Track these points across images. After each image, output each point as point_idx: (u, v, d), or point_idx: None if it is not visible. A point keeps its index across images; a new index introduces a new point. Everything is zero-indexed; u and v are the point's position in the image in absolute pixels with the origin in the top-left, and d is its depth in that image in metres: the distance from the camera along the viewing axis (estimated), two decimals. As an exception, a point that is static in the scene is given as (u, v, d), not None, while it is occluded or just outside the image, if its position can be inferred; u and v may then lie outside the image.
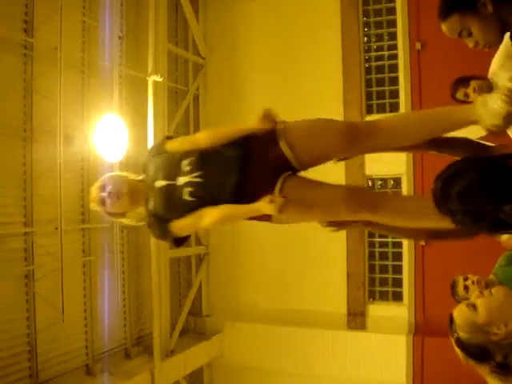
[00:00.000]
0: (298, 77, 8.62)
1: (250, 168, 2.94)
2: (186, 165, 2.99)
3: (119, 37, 7.67)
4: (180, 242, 3.24)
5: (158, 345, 7.67)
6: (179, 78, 9.21)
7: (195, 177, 2.96)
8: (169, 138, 3.28)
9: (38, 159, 6.58)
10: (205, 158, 2.98)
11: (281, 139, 2.92)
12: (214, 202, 2.97)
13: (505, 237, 2.39)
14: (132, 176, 3.19)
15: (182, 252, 9.00)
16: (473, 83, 4.41)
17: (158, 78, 7.53)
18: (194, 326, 9.19)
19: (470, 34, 2.36)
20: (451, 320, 2.09)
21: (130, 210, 3.16)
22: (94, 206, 3.15)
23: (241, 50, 9.00)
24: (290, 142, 2.90)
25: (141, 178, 3.17)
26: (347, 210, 2.83)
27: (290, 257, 8.59)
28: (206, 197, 2.96)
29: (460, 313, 2.10)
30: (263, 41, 8.84)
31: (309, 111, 8.39)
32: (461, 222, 1.93)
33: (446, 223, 2.66)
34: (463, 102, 4.40)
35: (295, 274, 8.57)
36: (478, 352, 1.99)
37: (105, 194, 3.08)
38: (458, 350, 2.05)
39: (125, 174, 3.33)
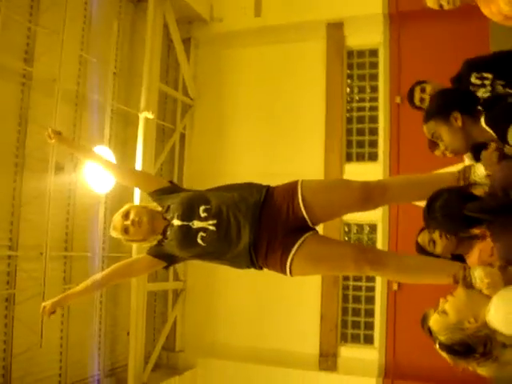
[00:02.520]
0: (282, 123, 8.96)
1: (265, 227, 3.21)
2: (202, 211, 3.25)
3: (114, 73, 7.91)
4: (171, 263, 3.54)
5: (132, 377, 7.70)
6: (167, 116, 9.49)
7: (209, 224, 3.22)
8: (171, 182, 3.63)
9: (27, 185, 6.72)
10: (221, 210, 3.24)
11: (298, 199, 3.21)
12: (224, 252, 3.28)
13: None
14: (151, 206, 3.45)
15: (159, 286, 9.12)
16: None
17: (150, 115, 7.77)
18: (166, 361, 9.21)
19: (441, 139, 2.85)
20: (430, 332, 2.38)
21: (150, 237, 3.41)
22: (117, 234, 3.39)
23: (228, 94, 9.34)
24: (307, 202, 3.20)
25: (159, 209, 3.44)
26: (355, 266, 3.13)
27: (266, 297, 8.74)
28: (216, 245, 3.25)
29: (435, 321, 2.41)
30: (250, 87, 9.21)
31: (292, 157, 8.80)
32: (443, 226, 2.76)
33: (441, 280, 2.99)
34: None
35: (270, 313, 8.71)
36: (461, 349, 2.26)
37: (128, 223, 3.32)
38: (444, 355, 2.30)
39: (145, 204, 3.60)
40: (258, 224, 3.18)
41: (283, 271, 3.24)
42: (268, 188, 3.34)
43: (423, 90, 4.52)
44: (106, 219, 7.83)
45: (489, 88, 3.42)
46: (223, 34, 9.47)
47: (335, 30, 8.83)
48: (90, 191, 7.40)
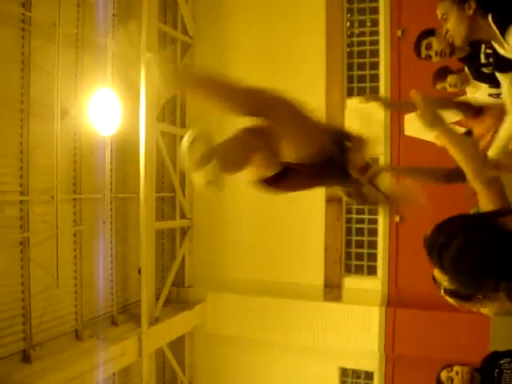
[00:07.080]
0: (282, 59, 8.94)
1: None
2: None
3: (113, 14, 7.85)
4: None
5: (146, 312, 8.00)
6: (167, 56, 9.44)
7: None
8: None
9: (34, 131, 6.79)
10: None
11: None
12: None
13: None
14: None
15: (166, 224, 9.34)
16: (449, 78, 4.64)
17: (152, 56, 7.76)
18: (176, 296, 9.54)
19: (447, 22, 2.96)
20: (434, 279, 2.52)
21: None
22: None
23: (228, 32, 9.27)
24: None
25: None
26: None
27: (272, 231, 8.98)
28: None
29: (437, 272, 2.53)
30: (250, 23, 9.13)
31: (293, 92, 8.75)
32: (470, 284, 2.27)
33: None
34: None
35: (276, 247, 8.97)
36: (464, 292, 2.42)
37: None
38: (450, 299, 2.47)
39: None
40: None
41: None
42: None
43: (429, 47, 4.34)
44: (112, 161, 7.97)
45: None
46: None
47: (335, -38, 8.69)
48: (96, 134, 7.49)
